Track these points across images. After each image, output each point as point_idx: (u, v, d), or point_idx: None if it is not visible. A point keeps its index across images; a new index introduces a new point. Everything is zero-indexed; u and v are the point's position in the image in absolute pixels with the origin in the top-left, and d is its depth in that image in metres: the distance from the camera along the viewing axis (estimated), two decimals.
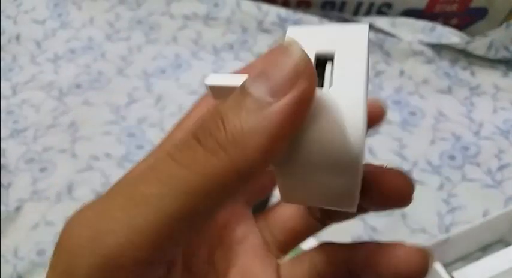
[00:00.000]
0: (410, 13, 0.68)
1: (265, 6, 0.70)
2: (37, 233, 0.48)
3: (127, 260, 0.15)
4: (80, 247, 0.16)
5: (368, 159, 0.56)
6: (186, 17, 0.71)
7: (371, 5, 0.68)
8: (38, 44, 0.68)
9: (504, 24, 0.63)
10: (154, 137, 0.56)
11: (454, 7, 0.67)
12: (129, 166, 0.53)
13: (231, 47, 0.68)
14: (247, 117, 0.15)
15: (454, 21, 0.69)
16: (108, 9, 0.72)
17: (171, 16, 0.71)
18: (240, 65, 0.65)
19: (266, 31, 0.69)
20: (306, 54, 0.15)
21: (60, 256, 0.17)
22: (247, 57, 0.67)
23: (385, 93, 0.62)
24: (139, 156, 0.54)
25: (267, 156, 0.15)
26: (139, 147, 0.55)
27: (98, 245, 0.15)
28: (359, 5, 0.68)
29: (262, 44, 0.68)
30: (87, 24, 0.70)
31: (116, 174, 0.53)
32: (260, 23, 0.69)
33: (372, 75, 0.64)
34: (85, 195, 0.51)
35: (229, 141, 0.15)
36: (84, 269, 0.16)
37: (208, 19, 0.71)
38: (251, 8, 0.70)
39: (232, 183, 0.15)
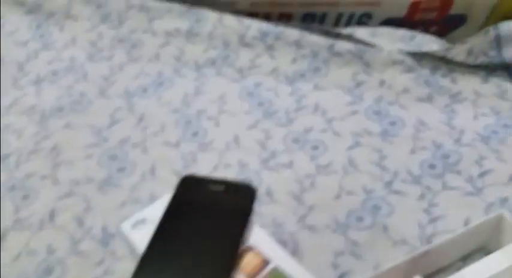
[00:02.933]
0: (391, 22, 0.69)
1: (247, 20, 0.70)
2: (20, 263, 0.49)
3: None
4: None
5: (350, 171, 0.56)
6: (168, 34, 0.72)
7: (351, 15, 0.69)
8: (21, 67, 0.69)
9: (483, 30, 0.64)
10: (136, 158, 0.57)
11: (434, 15, 0.68)
12: (109, 190, 0.54)
13: (213, 62, 0.68)
14: None
15: (434, 28, 0.70)
16: (90, 29, 0.72)
17: (153, 33, 0.72)
18: (222, 80, 0.66)
19: (248, 45, 0.70)
20: None
21: None
22: (229, 73, 0.67)
23: (366, 104, 0.63)
24: (120, 179, 0.55)
25: None
26: (121, 170, 0.56)
27: None
28: (339, 16, 0.69)
29: (244, 58, 0.69)
30: (70, 45, 0.71)
31: (97, 199, 0.53)
32: (242, 37, 0.70)
33: (352, 85, 0.65)
34: (67, 221, 0.52)
35: None
36: None
37: (190, 35, 0.71)
38: (233, 23, 0.71)
39: None
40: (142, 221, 0.44)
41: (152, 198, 0.52)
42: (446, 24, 0.69)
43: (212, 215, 0.43)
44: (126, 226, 0.44)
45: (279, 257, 0.41)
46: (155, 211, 0.43)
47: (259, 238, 0.42)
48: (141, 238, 0.42)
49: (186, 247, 0.40)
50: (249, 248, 0.41)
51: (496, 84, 0.65)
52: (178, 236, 0.41)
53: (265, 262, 0.41)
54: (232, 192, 0.45)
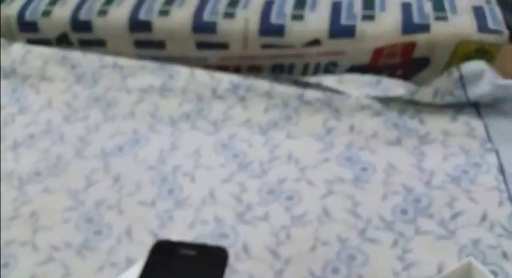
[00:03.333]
0: (356, 69, 0.71)
1: (218, 75, 0.72)
2: None
3: None
4: None
5: (324, 221, 0.57)
6: (142, 90, 0.73)
7: (317, 65, 0.71)
8: None
9: (447, 72, 0.66)
10: (112, 220, 0.57)
11: (397, 59, 0.70)
12: (87, 254, 0.54)
13: (187, 116, 0.70)
14: None
15: (399, 72, 0.72)
16: (65, 90, 0.74)
17: (128, 91, 0.73)
18: (197, 134, 0.67)
19: (220, 98, 0.71)
20: None
21: None
22: (204, 126, 0.69)
23: (337, 150, 0.64)
24: (97, 242, 0.55)
25: None
26: (98, 233, 0.56)
27: None
28: (306, 66, 0.71)
29: (217, 110, 0.70)
30: (45, 107, 0.72)
31: (75, 265, 0.53)
32: (214, 91, 0.72)
33: (323, 132, 0.66)
34: None
35: None
36: None
37: (164, 90, 0.73)
38: (205, 77, 0.73)
39: None
40: None
41: (129, 261, 0.53)
42: (410, 68, 0.71)
43: None
44: None
45: None
46: None
47: None
48: None
49: None
50: None
51: (464, 122, 0.67)
52: None
53: None
54: (204, 255, 0.45)
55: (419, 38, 0.68)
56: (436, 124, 0.67)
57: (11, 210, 0.60)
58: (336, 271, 0.52)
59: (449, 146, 0.64)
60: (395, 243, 0.54)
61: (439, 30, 0.68)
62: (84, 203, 0.59)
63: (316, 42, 0.68)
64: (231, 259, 0.52)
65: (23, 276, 0.53)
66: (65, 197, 0.60)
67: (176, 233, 0.55)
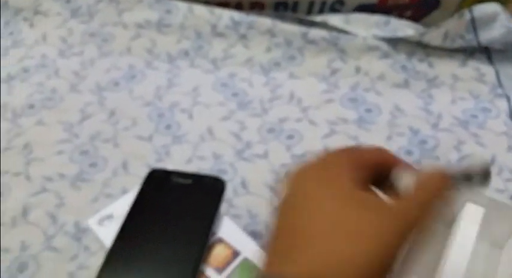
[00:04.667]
0: (364, 8, 0.68)
1: (218, 10, 0.69)
2: None
3: None
4: None
5: None
6: (139, 26, 0.70)
7: (323, 3, 0.67)
8: None
9: (458, 14, 0.63)
10: (108, 153, 0.56)
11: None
12: (82, 185, 0.53)
13: (186, 53, 0.67)
14: None
15: (408, 13, 0.69)
16: (60, 25, 0.71)
17: (124, 26, 0.70)
18: (195, 72, 0.65)
19: (221, 35, 0.68)
20: None
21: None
22: (203, 64, 0.66)
23: (341, 92, 0.62)
24: (92, 174, 0.54)
25: None
26: (93, 165, 0.55)
27: None
28: (311, 4, 0.68)
29: (218, 48, 0.68)
30: (40, 41, 0.69)
31: (69, 195, 0.52)
32: (214, 27, 0.69)
33: (328, 73, 0.64)
34: (40, 218, 0.51)
35: None
36: None
37: (161, 26, 0.70)
38: (204, 13, 0.69)
39: None
40: (109, 217, 0.43)
41: (124, 192, 0.51)
42: (420, 9, 0.68)
43: (180, 209, 0.42)
44: (93, 222, 0.43)
45: (249, 249, 0.40)
46: (122, 206, 0.42)
47: (229, 230, 0.42)
48: (108, 233, 0.41)
49: (153, 241, 0.40)
50: (219, 241, 0.41)
51: (474, 67, 0.65)
52: (145, 231, 0.40)
53: (235, 254, 0.40)
54: (200, 185, 0.44)
55: None
56: (445, 68, 0.64)
57: (4, 142, 0.58)
58: None
59: (458, 90, 0.62)
60: None
61: None
62: (79, 136, 0.58)
63: None
64: (229, 194, 0.51)
65: (17, 205, 0.52)
66: (59, 130, 0.58)
67: (173, 168, 0.53)
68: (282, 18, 0.68)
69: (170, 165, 0.54)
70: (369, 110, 0.60)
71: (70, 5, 0.72)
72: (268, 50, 0.67)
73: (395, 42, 0.65)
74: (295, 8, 0.68)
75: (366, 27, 0.66)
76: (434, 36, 0.64)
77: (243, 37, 0.68)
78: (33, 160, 0.56)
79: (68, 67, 0.66)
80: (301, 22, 0.67)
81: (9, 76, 0.65)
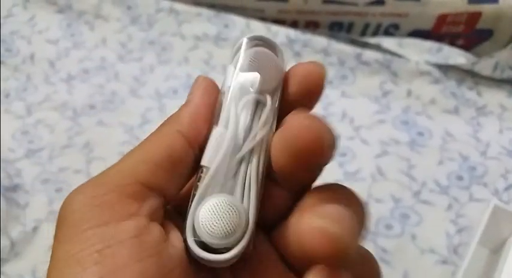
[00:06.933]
0: (417, 34, 0.69)
1: (275, 27, 0.71)
2: None
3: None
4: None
5: (378, 179, 0.57)
6: (197, 38, 0.72)
7: (378, 26, 0.69)
8: (52, 64, 0.70)
9: (509, 46, 0.65)
10: None
11: (460, 28, 0.69)
12: None
13: None
14: None
15: (460, 41, 0.70)
16: (120, 30, 0.73)
17: (182, 37, 0.72)
18: None
19: None
20: None
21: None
22: None
23: (393, 113, 0.63)
24: None
25: None
26: None
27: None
28: (366, 26, 0.70)
29: None
30: (100, 45, 0.72)
31: None
32: None
33: (380, 94, 0.65)
34: None
35: None
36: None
37: (218, 40, 0.72)
38: (260, 29, 0.72)
39: None
40: None
41: None
42: (472, 38, 0.70)
43: None
44: None
45: None
46: None
47: None
48: None
49: None
50: None
51: None
52: None
53: None
54: None
55: (486, 8, 0.66)
56: (493, 97, 0.66)
57: (64, 139, 0.60)
58: (389, 227, 0.52)
59: (505, 120, 0.64)
60: (449, 207, 0.54)
61: (507, 1, 0.66)
62: (140, 139, 0.59)
63: (380, 1, 0.66)
64: None
65: None
66: (120, 131, 0.60)
67: None
68: (337, 38, 0.70)
69: None
70: (420, 133, 0.61)
71: (130, 12, 0.75)
72: None
73: (445, 69, 0.67)
74: (349, 28, 0.70)
75: (419, 52, 0.68)
76: (485, 66, 0.65)
77: (297, 54, 0.70)
78: (94, 159, 0.58)
79: (128, 71, 0.68)
80: (355, 43, 0.69)
81: (70, 76, 0.68)
